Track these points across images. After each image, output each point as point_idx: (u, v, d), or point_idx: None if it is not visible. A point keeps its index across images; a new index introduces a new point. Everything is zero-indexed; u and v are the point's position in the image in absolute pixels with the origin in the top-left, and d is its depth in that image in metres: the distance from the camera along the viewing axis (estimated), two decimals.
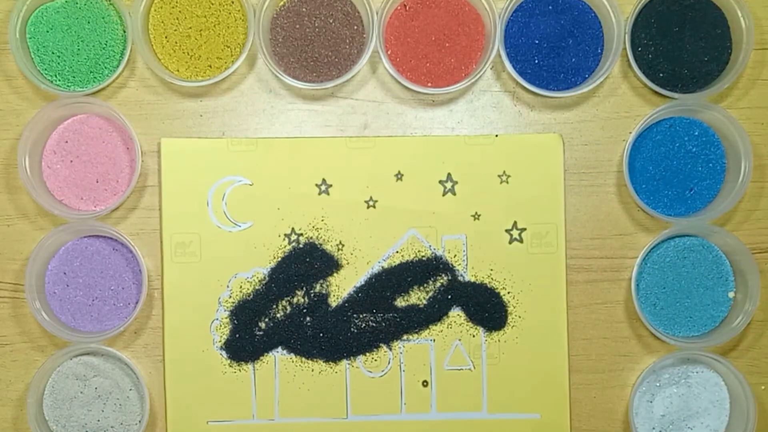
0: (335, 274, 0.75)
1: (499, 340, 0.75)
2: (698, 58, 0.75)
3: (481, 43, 0.76)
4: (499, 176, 0.75)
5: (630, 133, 0.75)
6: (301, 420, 0.74)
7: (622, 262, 0.76)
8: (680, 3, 0.75)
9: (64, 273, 0.75)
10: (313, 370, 0.75)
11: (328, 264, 0.75)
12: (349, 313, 0.74)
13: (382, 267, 0.75)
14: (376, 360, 0.75)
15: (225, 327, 0.74)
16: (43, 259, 0.74)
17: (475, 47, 0.76)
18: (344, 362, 0.75)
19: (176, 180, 0.74)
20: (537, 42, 0.75)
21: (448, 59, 0.76)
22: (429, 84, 0.76)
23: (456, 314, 0.74)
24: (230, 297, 0.74)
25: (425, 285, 0.75)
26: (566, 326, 0.75)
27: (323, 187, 0.75)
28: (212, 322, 0.74)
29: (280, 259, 0.74)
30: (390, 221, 0.75)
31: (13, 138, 0.76)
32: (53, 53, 0.76)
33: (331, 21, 0.75)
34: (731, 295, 0.76)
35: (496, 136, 0.75)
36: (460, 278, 0.74)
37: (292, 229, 0.75)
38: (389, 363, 0.75)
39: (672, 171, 0.76)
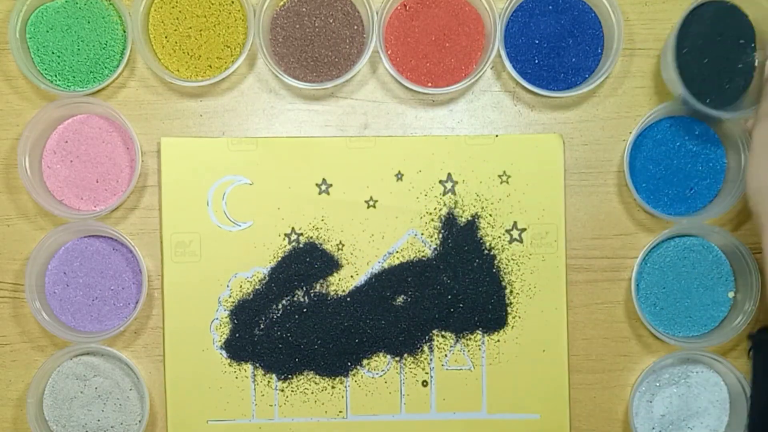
0: (335, 274, 0.75)
1: (499, 340, 0.75)
2: (733, 75, 0.75)
3: (481, 43, 0.76)
4: (499, 176, 0.75)
5: (630, 132, 0.75)
6: (301, 420, 0.75)
7: (622, 262, 0.76)
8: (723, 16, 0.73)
9: (64, 273, 0.75)
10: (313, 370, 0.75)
11: (328, 264, 0.75)
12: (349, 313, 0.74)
13: (382, 267, 0.75)
14: (376, 360, 0.75)
15: (225, 327, 0.74)
16: (43, 259, 0.74)
17: (475, 47, 0.76)
18: (344, 362, 0.75)
19: (176, 180, 0.74)
20: (537, 42, 0.75)
21: (448, 59, 0.76)
22: (429, 84, 0.76)
23: (455, 314, 0.74)
24: (230, 297, 0.74)
25: (425, 285, 0.74)
26: (566, 326, 0.75)
27: (323, 187, 0.75)
28: (212, 321, 0.74)
29: (280, 258, 0.74)
30: (390, 221, 0.75)
31: (13, 138, 0.76)
32: (53, 53, 0.76)
33: (331, 21, 0.75)
34: (731, 295, 0.75)
35: (496, 136, 0.75)
36: (460, 278, 0.74)
37: (292, 228, 0.75)
38: (389, 363, 0.75)
39: (672, 170, 0.76)
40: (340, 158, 0.75)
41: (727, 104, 0.72)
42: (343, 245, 0.75)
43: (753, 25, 0.72)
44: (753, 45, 0.72)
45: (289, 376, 0.74)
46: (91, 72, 0.76)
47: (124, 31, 0.76)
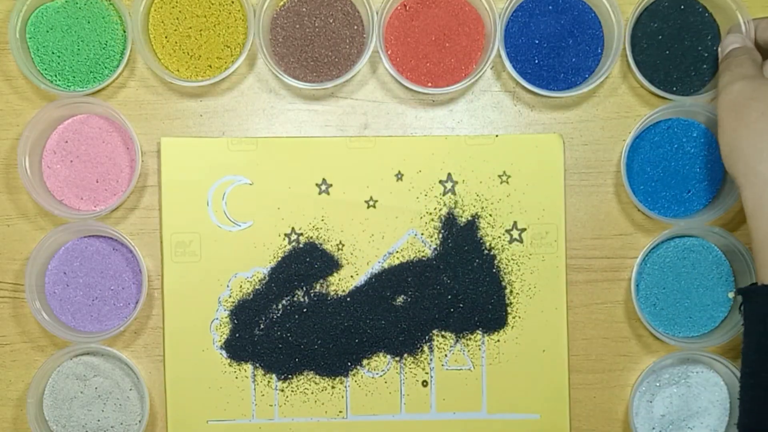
0: (335, 274, 0.75)
1: (499, 340, 0.75)
2: (695, 61, 0.75)
3: (481, 43, 0.76)
4: (499, 176, 0.75)
5: (629, 133, 0.75)
6: (300, 420, 0.74)
7: (622, 262, 0.76)
8: (677, 7, 0.76)
9: (64, 273, 0.75)
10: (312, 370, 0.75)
11: (328, 264, 0.75)
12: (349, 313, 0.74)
13: (382, 267, 0.75)
14: (376, 360, 0.75)
15: (225, 327, 0.74)
16: (43, 259, 0.74)
17: (475, 47, 0.76)
18: (344, 362, 0.75)
19: (176, 180, 0.74)
20: (537, 42, 0.76)
21: (448, 59, 0.76)
22: (429, 84, 0.76)
23: (455, 314, 0.74)
24: (230, 296, 0.74)
25: (425, 285, 0.74)
26: (566, 326, 0.75)
27: (323, 187, 0.75)
28: (212, 321, 0.74)
29: (280, 258, 0.74)
30: (390, 221, 0.75)
31: (13, 138, 0.76)
32: (53, 53, 0.76)
33: (331, 21, 0.75)
34: (731, 295, 0.75)
35: (497, 136, 0.75)
36: (460, 278, 0.74)
37: (292, 228, 0.75)
38: (389, 363, 0.75)
39: (670, 172, 0.76)
40: (340, 158, 0.75)
41: (695, 90, 0.76)
42: (343, 245, 0.75)
43: (709, 11, 0.76)
44: (713, 31, 0.76)
45: (289, 376, 0.74)
46: (91, 72, 0.76)
47: (124, 31, 0.76)
